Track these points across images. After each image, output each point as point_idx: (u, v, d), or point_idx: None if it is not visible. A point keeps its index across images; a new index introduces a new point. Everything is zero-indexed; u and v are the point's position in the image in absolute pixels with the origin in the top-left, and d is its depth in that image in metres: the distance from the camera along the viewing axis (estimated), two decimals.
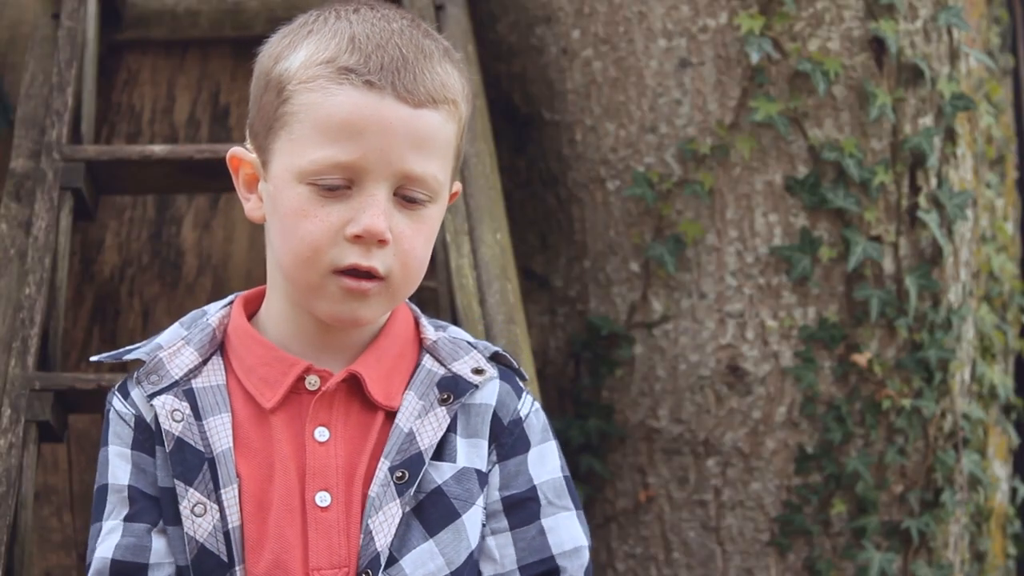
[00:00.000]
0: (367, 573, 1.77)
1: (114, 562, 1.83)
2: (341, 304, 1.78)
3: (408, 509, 1.80)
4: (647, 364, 3.58)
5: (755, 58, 3.43)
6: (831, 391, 3.53)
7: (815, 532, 3.54)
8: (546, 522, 1.84)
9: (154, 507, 1.84)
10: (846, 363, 3.52)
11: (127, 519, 1.84)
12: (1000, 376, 3.89)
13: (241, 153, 1.87)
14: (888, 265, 3.52)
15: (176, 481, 1.80)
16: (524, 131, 3.68)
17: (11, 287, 2.97)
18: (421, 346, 1.89)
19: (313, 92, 1.75)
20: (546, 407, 3.11)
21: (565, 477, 1.88)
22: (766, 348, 3.53)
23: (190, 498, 1.80)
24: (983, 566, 3.83)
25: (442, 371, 1.86)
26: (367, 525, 1.78)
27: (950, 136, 3.60)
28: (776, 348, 3.53)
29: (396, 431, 1.81)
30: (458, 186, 1.88)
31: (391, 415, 1.82)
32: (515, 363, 1.92)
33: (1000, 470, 3.95)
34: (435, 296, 3.13)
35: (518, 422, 1.86)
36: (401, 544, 1.79)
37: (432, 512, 1.80)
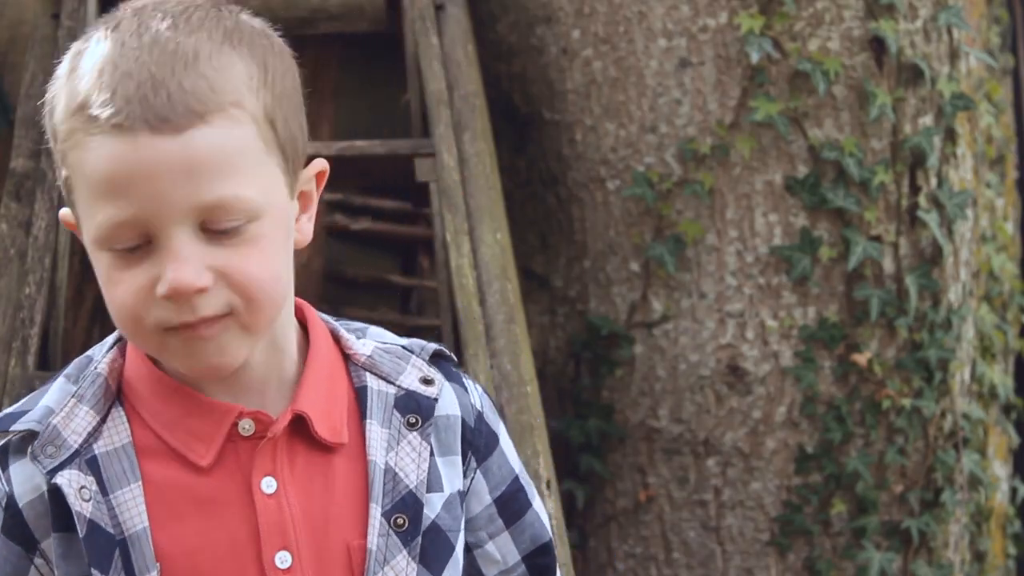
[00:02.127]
0: None
1: None
2: (193, 357, 1.54)
3: (417, 561, 1.61)
4: (647, 364, 3.58)
5: (755, 58, 3.43)
6: (831, 391, 3.53)
7: (815, 532, 3.54)
8: (535, 504, 1.72)
9: None
10: (846, 363, 3.52)
11: None
12: (1000, 376, 3.89)
13: (65, 215, 1.64)
14: (888, 265, 3.53)
15: (93, 570, 1.55)
16: (524, 131, 3.68)
17: (11, 287, 2.97)
18: (348, 362, 1.65)
19: (75, 150, 1.51)
20: (546, 407, 3.12)
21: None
22: (766, 348, 3.53)
23: None
24: (983, 566, 3.83)
25: (392, 389, 1.64)
26: None
27: (950, 136, 3.60)
28: (776, 348, 3.53)
29: (374, 469, 1.60)
30: (319, 166, 1.62)
31: (345, 451, 1.61)
32: (447, 351, 1.71)
33: (1000, 470, 3.95)
34: (435, 296, 3.13)
35: (480, 417, 1.69)
36: None
37: (432, 552, 1.62)
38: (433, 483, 1.62)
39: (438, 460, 1.64)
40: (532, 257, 3.68)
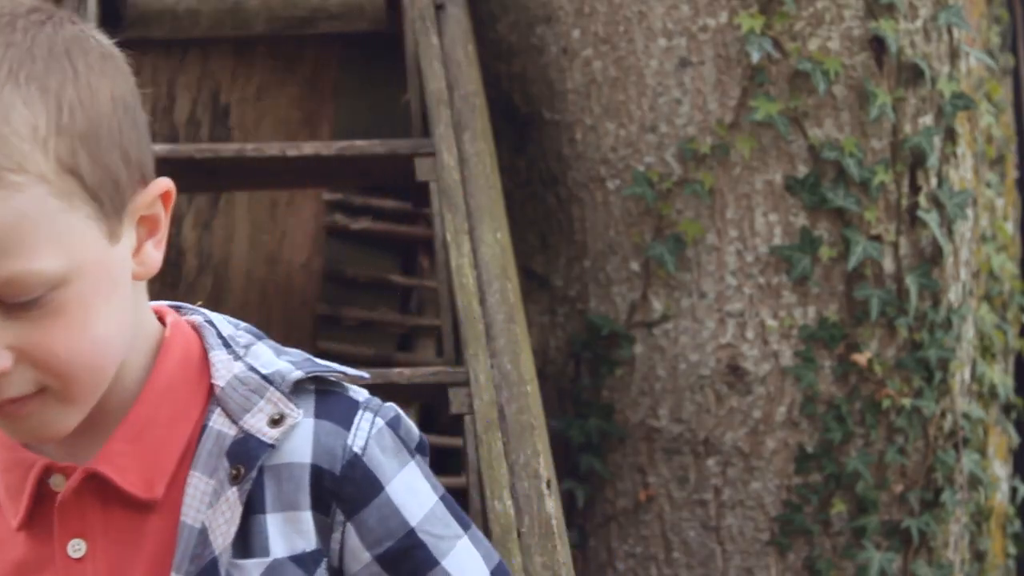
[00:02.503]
0: None
1: None
2: (13, 433, 1.36)
3: None
4: (647, 364, 3.58)
5: (755, 57, 3.43)
6: (831, 391, 3.53)
7: (815, 532, 3.54)
8: (449, 561, 1.42)
9: None
10: (846, 363, 3.52)
11: None
12: (1000, 376, 3.89)
13: None
14: (888, 265, 3.53)
15: None
16: (524, 131, 3.68)
17: None
18: (211, 394, 1.40)
19: None
20: (546, 407, 3.12)
21: (442, 497, 1.44)
22: (766, 348, 3.53)
23: None
24: (983, 566, 3.83)
25: (233, 431, 1.38)
26: None
27: (950, 136, 3.60)
28: (776, 348, 3.53)
29: (184, 531, 1.37)
30: (162, 186, 1.45)
31: (164, 507, 1.39)
32: (338, 370, 1.43)
33: (1000, 470, 3.95)
34: (435, 296, 3.13)
35: (355, 462, 1.39)
36: None
37: None
38: (252, 547, 1.38)
39: (268, 518, 1.39)
40: (532, 257, 3.68)
